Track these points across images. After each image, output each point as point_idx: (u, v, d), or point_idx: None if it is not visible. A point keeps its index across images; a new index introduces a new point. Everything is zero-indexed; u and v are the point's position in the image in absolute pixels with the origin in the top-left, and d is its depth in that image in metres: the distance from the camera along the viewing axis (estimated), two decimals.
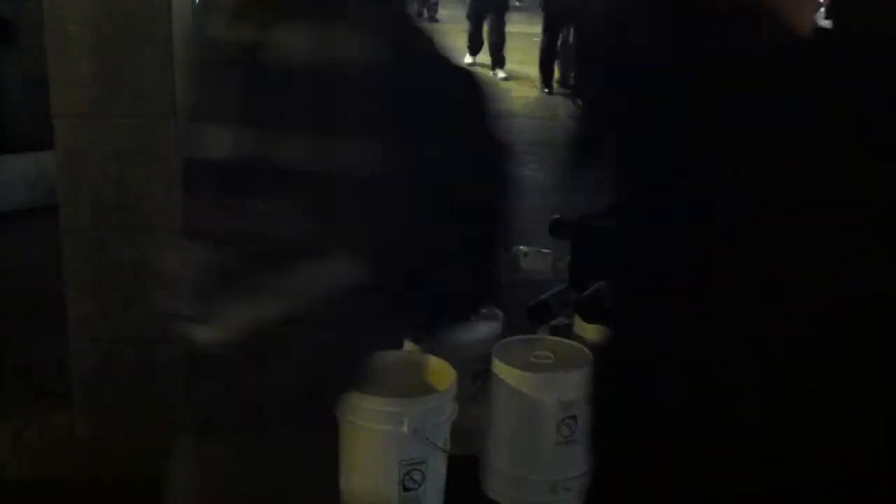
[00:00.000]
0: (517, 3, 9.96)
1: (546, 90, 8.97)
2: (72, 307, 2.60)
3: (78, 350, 2.63)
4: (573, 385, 2.36)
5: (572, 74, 8.53)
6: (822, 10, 1.46)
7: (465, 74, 1.79)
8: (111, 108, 2.50)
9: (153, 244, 2.57)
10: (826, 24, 1.47)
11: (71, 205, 2.54)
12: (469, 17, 9.86)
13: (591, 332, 2.62)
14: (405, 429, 2.11)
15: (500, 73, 9.51)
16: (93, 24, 2.44)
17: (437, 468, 2.20)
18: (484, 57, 9.65)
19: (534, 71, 9.04)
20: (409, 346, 2.44)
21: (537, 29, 9.67)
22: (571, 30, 8.52)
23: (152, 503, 2.46)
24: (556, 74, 8.92)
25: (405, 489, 2.14)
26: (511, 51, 9.62)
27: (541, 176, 5.87)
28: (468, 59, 9.59)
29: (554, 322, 2.66)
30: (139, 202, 2.54)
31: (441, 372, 2.29)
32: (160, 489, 2.39)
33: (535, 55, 9.14)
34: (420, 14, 13.39)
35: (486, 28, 9.65)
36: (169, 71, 2.49)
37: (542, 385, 2.34)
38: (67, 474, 2.56)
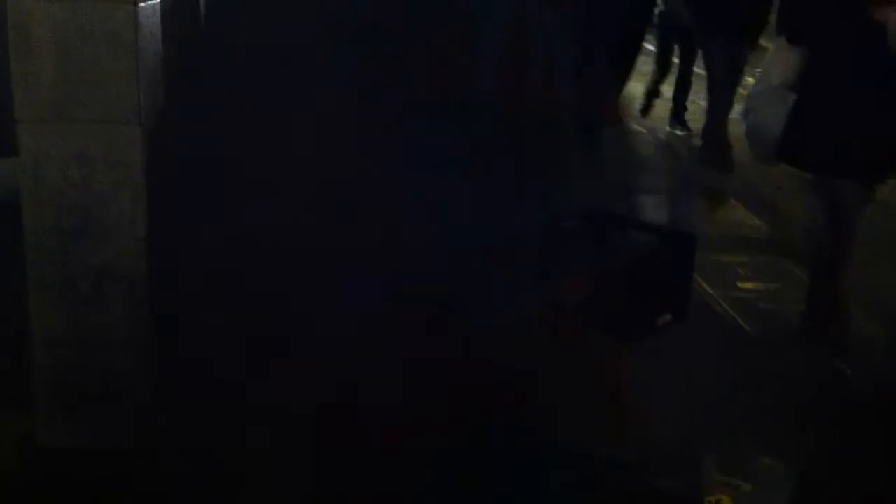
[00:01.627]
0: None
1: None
2: (34, 311, 2.57)
3: (39, 355, 2.60)
4: None
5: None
6: None
7: None
8: (75, 112, 2.48)
9: (117, 249, 2.55)
10: None
11: (34, 209, 2.51)
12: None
13: None
14: None
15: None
16: (58, 28, 2.42)
17: None
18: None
19: None
20: None
21: None
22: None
23: None
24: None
25: None
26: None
27: None
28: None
29: None
30: (104, 207, 2.52)
31: None
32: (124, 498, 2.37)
33: None
34: None
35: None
36: (134, 77, 2.48)
37: None
38: (27, 484, 2.52)
